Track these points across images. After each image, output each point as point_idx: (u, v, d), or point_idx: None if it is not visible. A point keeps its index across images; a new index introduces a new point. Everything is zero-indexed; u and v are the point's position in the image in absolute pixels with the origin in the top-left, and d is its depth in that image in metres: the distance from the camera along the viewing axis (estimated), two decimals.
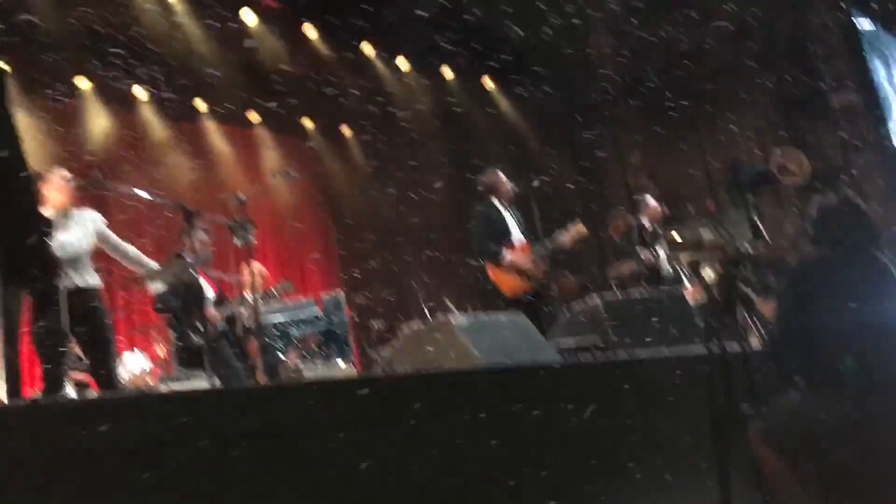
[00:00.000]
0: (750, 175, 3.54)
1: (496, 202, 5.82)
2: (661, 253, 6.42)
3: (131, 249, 4.85)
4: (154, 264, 4.93)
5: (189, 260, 4.87)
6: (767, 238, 4.33)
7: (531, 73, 9.92)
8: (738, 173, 3.51)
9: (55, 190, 4.43)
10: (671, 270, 6.36)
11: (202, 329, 5.04)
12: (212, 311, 5.42)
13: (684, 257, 6.13)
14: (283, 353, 6.90)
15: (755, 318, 3.91)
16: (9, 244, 2.72)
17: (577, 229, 5.71)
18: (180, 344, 5.36)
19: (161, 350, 6.65)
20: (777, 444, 2.94)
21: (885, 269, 3.09)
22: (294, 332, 6.94)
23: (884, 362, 2.84)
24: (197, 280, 5.29)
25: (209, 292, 5.57)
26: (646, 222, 6.53)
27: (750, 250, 3.58)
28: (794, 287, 3.06)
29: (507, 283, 5.51)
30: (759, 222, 4.12)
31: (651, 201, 6.65)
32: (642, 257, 6.39)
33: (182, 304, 5.25)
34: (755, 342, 4.18)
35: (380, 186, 10.60)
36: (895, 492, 2.77)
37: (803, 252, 3.18)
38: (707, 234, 3.91)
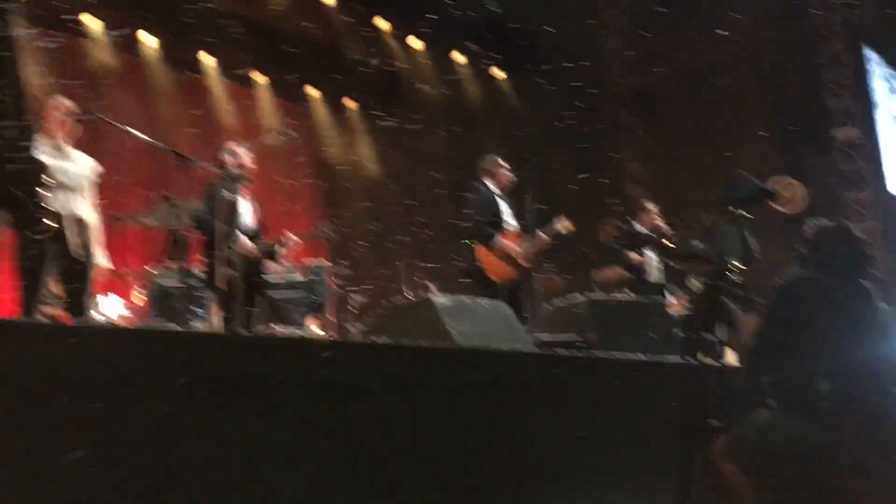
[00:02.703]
0: (749, 192, 3.52)
1: (492, 187, 5.80)
2: (650, 261, 6.42)
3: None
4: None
5: (231, 181, 4.77)
6: (756, 257, 4.31)
7: (541, 68, 9.90)
8: (736, 189, 3.48)
9: (56, 120, 4.39)
10: (658, 279, 6.37)
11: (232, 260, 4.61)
12: (247, 243, 5.00)
13: (673, 267, 6.15)
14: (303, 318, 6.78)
15: (735, 334, 3.92)
16: None
17: (562, 224, 5.72)
18: (207, 273, 4.95)
19: (138, 297, 6.58)
20: (742, 459, 2.94)
21: (870, 300, 3.10)
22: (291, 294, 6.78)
23: (857, 390, 2.85)
24: (236, 203, 4.92)
25: (248, 219, 5.16)
26: (640, 228, 6.52)
27: (738, 266, 3.57)
28: (778, 304, 3.05)
29: (495, 266, 5.48)
30: (750, 240, 4.10)
31: (652, 207, 6.64)
32: (630, 263, 6.39)
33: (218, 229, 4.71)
34: (732, 358, 4.19)
35: (378, 161, 10.56)
36: None
37: (792, 272, 3.18)
38: (698, 247, 3.90)
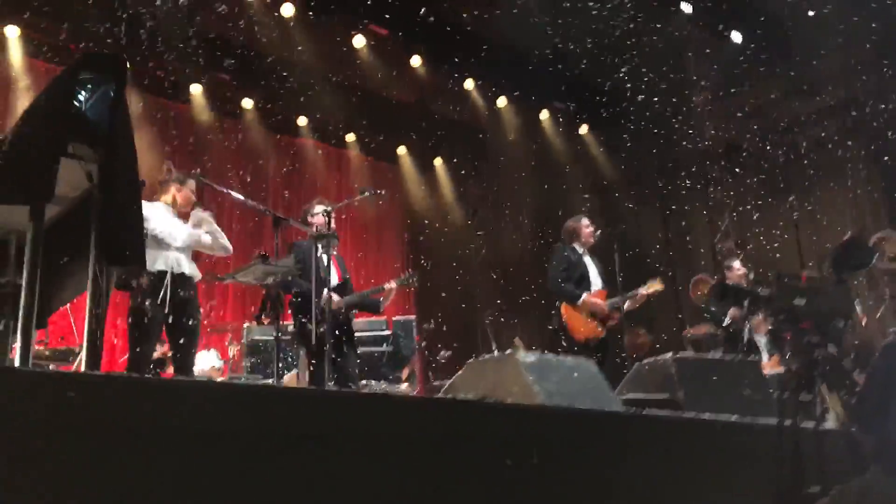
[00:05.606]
0: (863, 258, 3.39)
1: (577, 248, 5.84)
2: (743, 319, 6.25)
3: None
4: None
5: (322, 239, 4.93)
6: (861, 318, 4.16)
7: (629, 123, 9.88)
8: (851, 254, 3.35)
9: (187, 193, 4.80)
10: (751, 338, 6.19)
11: (320, 316, 4.74)
12: (335, 297, 5.07)
13: (766, 326, 5.96)
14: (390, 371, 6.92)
15: (834, 396, 3.76)
16: (110, 227, 2.81)
17: (653, 286, 5.70)
18: (295, 330, 5.12)
19: (233, 350, 6.82)
20: None
21: None
22: (379, 348, 6.92)
23: None
24: (324, 260, 5.02)
25: (335, 275, 5.26)
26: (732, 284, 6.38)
27: (840, 327, 3.44)
28: (882, 363, 2.95)
29: (580, 325, 5.49)
30: (857, 302, 3.94)
31: (737, 265, 6.51)
32: (722, 322, 6.25)
33: (305, 286, 4.92)
34: (831, 422, 4.02)
35: (466, 218, 10.69)
36: None
37: None
38: (799, 304, 3.77)
